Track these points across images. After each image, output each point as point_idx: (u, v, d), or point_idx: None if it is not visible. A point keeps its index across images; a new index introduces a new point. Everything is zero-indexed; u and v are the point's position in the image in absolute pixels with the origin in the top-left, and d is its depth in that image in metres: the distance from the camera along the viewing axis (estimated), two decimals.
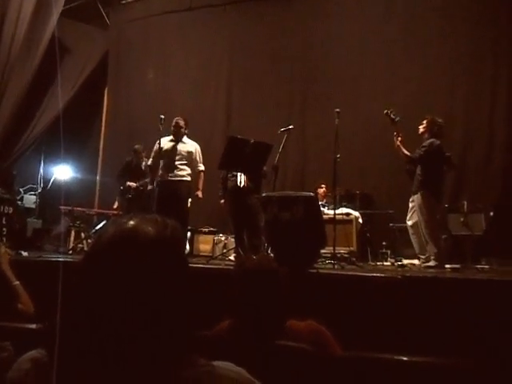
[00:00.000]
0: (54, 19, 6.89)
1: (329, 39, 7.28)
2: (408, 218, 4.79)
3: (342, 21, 7.23)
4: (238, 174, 5.24)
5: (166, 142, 5.11)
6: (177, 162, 5.10)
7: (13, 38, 6.53)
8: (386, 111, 4.72)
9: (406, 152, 4.65)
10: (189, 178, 5.17)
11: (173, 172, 5.07)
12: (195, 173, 5.25)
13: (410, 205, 4.76)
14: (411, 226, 4.74)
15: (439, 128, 4.71)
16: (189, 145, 5.24)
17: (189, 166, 5.18)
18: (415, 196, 4.64)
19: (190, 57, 8.16)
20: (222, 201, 5.60)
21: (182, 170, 5.12)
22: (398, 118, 4.69)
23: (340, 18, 7.26)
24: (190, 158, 5.19)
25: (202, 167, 5.28)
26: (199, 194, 5.19)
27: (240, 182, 5.23)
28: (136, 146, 6.11)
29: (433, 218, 4.56)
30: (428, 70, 6.61)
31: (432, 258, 4.47)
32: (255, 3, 7.88)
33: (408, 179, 4.83)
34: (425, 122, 4.75)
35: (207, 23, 8.10)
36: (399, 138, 4.65)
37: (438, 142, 4.61)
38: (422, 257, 4.65)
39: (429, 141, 4.61)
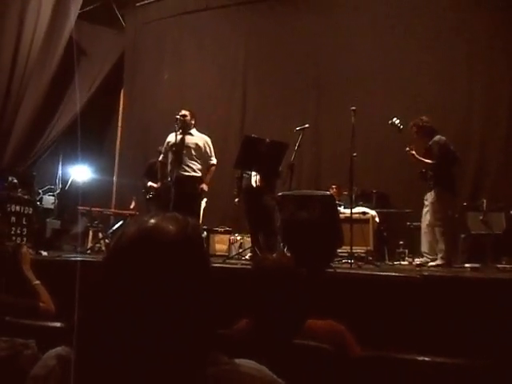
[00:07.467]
0: (72, 22, 6.98)
1: (343, 37, 7.22)
2: (423, 216, 4.73)
3: (356, 18, 7.16)
4: (253, 173, 5.15)
5: (173, 137, 4.93)
6: (185, 156, 4.89)
7: (31, 41, 6.65)
8: (390, 121, 4.70)
9: (427, 160, 4.60)
10: (198, 174, 4.97)
11: (181, 166, 4.86)
12: (207, 166, 5.08)
13: (426, 203, 4.71)
14: (427, 225, 4.68)
15: (429, 125, 4.69)
16: (196, 137, 5.04)
17: (198, 161, 4.98)
18: (429, 194, 4.59)
19: (205, 57, 8.18)
20: (237, 200, 5.55)
21: (190, 164, 4.92)
22: (402, 126, 4.66)
23: (355, 16, 7.19)
24: (198, 151, 4.98)
25: (214, 161, 5.11)
26: (204, 187, 5.00)
27: (254, 182, 5.18)
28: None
29: (446, 214, 4.52)
30: (445, 65, 6.50)
31: (439, 256, 4.41)
32: (269, 3, 7.87)
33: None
34: (414, 127, 4.71)
35: (222, 23, 8.12)
36: (413, 152, 4.60)
37: (443, 137, 4.60)
38: (429, 257, 4.59)
39: (434, 139, 4.60)
